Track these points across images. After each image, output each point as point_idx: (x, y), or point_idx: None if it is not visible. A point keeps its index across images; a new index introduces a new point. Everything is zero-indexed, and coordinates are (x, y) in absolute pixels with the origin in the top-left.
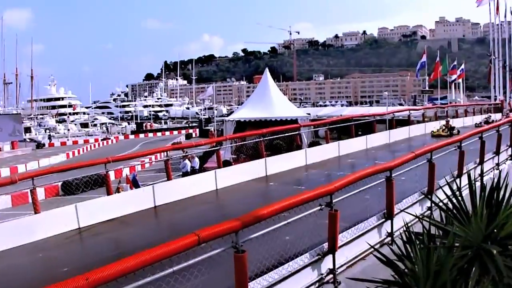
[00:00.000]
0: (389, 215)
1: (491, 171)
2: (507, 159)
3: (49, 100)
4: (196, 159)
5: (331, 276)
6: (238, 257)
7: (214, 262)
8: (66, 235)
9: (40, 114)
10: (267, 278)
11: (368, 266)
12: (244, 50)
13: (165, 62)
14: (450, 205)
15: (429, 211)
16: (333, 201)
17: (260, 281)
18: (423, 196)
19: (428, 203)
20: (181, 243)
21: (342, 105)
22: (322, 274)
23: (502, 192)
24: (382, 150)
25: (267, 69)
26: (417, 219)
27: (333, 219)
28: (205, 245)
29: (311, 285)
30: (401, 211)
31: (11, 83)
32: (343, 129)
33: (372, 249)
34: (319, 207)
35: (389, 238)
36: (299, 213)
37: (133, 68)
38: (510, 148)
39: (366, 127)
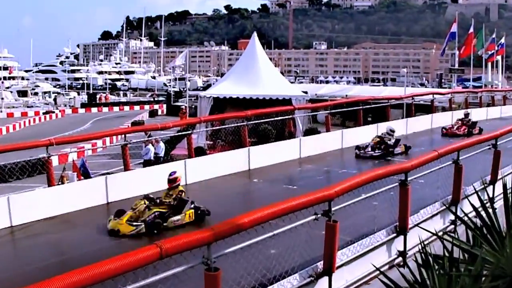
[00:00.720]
0: (401, 230)
1: None
2: None
3: None
4: (161, 144)
5: None
6: (209, 276)
7: (178, 280)
8: None
9: None
10: None
11: None
12: (227, 7)
13: (127, 17)
14: (478, 221)
15: (452, 227)
16: (332, 209)
17: None
18: (445, 207)
19: (451, 217)
20: (139, 255)
21: (348, 83)
22: None
23: None
24: None
25: (255, 33)
26: (436, 237)
27: (331, 232)
28: (169, 259)
29: None
30: (416, 225)
31: None
32: (349, 114)
33: (378, 272)
34: (314, 217)
35: (400, 259)
36: (288, 222)
37: (87, 24)
38: None
39: (377, 112)
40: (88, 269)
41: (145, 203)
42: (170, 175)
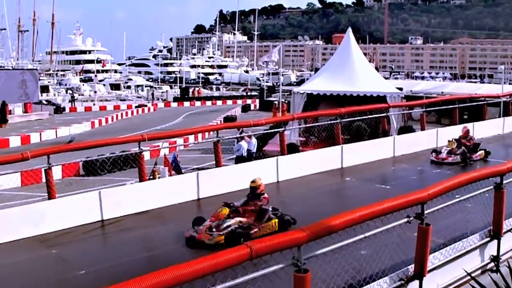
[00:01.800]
0: (495, 234)
1: None
2: None
3: (73, 53)
4: (254, 140)
5: None
6: (299, 278)
7: (267, 280)
8: (85, 228)
9: (61, 70)
10: None
11: None
12: (321, 1)
13: (221, 11)
14: None
15: None
16: (425, 212)
17: None
18: None
19: None
20: (229, 255)
21: (444, 79)
22: None
23: None
24: (492, 144)
25: (350, 28)
26: None
27: (423, 236)
28: (259, 260)
29: None
30: (511, 229)
31: (27, 31)
32: (444, 112)
33: (470, 277)
34: (406, 219)
35: (492, 264)
36: (380, 224)
37: (180, 18)
38: None
39: (474, 110)
40: (178, 268)
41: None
42: (252, 182)
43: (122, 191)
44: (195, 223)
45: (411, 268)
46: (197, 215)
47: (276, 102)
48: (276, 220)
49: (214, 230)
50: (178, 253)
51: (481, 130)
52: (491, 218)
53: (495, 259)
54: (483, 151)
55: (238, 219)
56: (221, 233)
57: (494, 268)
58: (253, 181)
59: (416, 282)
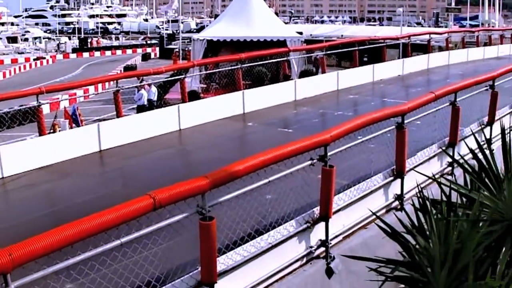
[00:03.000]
0: (398, 173)
1: None
2: None
3: None
4: (153, 89)
5: (322, 249)
6: (204, 225)
7: (172, 230)
8: None
9: None
10: (241, 251)
11: (370, 237)
12: None
13: None
14: (476, 164)
15: (449, 169)
16: (328, 154)
17: (232, 256)
18: (442, 150)
19: (449, 159)
20: (132, 207)
21: (343, 22)
22: (311, 247)
23: None
24: (393, 85)
25: None
26: (433, 181)
27: (327, 178)
28: (163, 209)
29: (297, 260)
30: (413, 168)
31: None
32: (344, 54)
33: (375, 216)
34: (309, 162)
35: (397, 203)
36: (283, 167)
37: None
38: None
39: (373, 53)
40: (80, 223)
41: None
42: None
43: (21, 146)
44: None
45: (317, 210)
46: (99, 167)
47: (177, 50)
48: None
49: None
50: (82, 207)
51: (381, 71)
52: (394, 157)
53: (399, 197)
54: None
55: None
56: None
57: (399, 207)
58: None
59: (322, 224)
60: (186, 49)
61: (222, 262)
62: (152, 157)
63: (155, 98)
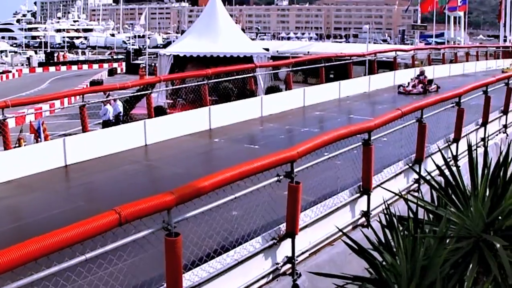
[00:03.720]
0: (365, 190)
1: (497, 134)
2: None
3: None
4: (119, 103)
5: (289, 266)
6: (170, 242)
7: (137, 246)
8: None
9: None
10: (207, 268)
11: (337, 254)
12: None
13: None
14: (442, 181)
15: (416, 185)
16: (295, 170)
17: (198, 272)
18: (409, 166)
19: (415, 176)
20: (97, 222)
21: (310, 39)
22: (277, 263)
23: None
24: (359, 101)
25: None
26: (400, 197)
27: (293, 194)
28: (128, 225)
29: (263, 277)
30: (380, 184)
31: None
32: (311, 71)
33: (342, 233)
34: (276, 178)
35: (363, 219)
36: (250, 184)
37: None
38: None
39: (340, 69)
40: (45, 238)
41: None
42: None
43: None
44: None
45: (283, 227)
46: (65, 182)
47: (144, 65)
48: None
49: None
50: (46, 223)
51: (347, 88)
52: (361, 174)
53: (366, 214)
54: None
55: None
56: None
57: (365, 223)
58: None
59: (289, 241)
60: (153, 64)
61: (188, 278)
62: (118, 172)
63: (121, 110)
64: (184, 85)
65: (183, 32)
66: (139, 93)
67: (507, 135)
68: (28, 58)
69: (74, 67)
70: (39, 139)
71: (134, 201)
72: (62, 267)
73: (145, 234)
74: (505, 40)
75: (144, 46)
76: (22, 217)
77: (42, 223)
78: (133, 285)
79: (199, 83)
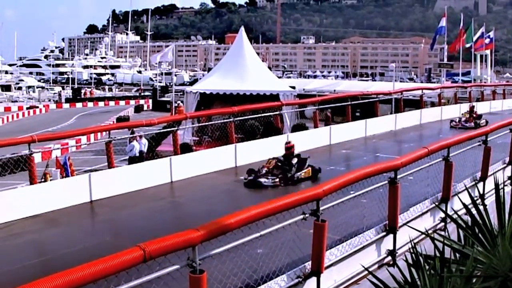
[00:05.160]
0: (391, 228)
1: None
2: None
3: None
4: (144, 140)
5: None
6: (194, 279)
7: (162, 282)
8: None
9: None
10: None
11: None
12: (214, 1)
13: (113, 11)
14: (469, 219)
15: (442, 225)
16: (321, 208)
17: None
18: (435, 205)
19: (442, 214)
20: (122, 258)
21: (336, 77)
22: None
23: None
24: (385, 140)
25: (242, 27)
26: (426, 236)
27: (319, 232)
28: (153, 261)
29: None
30: (406, 223)
31: None
32: (337, 109)
33: (367, 272)
34: (302, 216)
35: (389, 258)
36: (275, 221)
37: (72, 17)
38: None
39: (366, 107)
40: (69, 273)
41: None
42: (286, 143)
43: (12, 194)
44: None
45: (308, 265)
46: (90, 218)
47: (180, 103)
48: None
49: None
50: (71, 258)
51: (373, 126)
52: (386, 212)
53: (391, 253)
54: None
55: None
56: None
57: (391, 262)
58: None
59: (314, 279)
60: (178, 102)
61: None
62: (143, 209)
63: (145, 150)
64: (210, 123)
65: (209, 69)
66: (165, 130)
67: None
68: (59, 94)
69: (101, 104)
70: (64, 175)
71: (159, 237)
72: None
73: (170, 270)
74: None
75: (171, 84)
76: (47, 252)
77: (67, 258)
78: None
79: (225, 120)
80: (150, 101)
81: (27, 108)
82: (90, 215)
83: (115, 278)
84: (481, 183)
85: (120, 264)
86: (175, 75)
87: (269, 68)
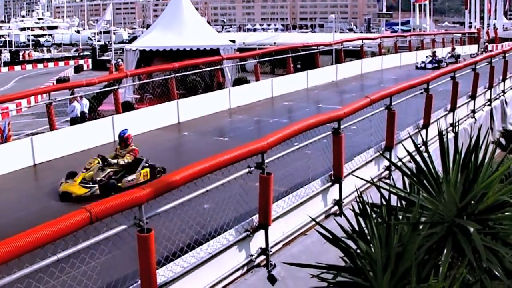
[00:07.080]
0: (336, 178)
1: (466, 119)
2: (485, 105)
3: None
4: (85, 101)
5: (263, 257)
6: (142, 238)
7: (110, 243)
8: None
9: None
10: (180, 263)
11: (311, 243)
12: None
13: None
14: (414, 167)
15: (387, 172)
16: (266, 161)
17: (172, 267)
18: (380, 153)
19: (386, 163)
20: (68, 222)
21: (276, 30)
22: (251, 255)
23: (482, 152)
24: (327, 90)
25: None
26: (372, 184)
27: (265, 185)
28: (100, 223)
29: (238, 269)
30: (351, 172)
31: None
32: (278, 62)
33: (315, 222)
34: (247, 170)
35: (336, 208)
36: (221, 176)
37: None
38: (488, 91)
39: (307, 59)
40: (15, 240)
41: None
42: (121, 134)
43: None
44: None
45: (256, 218)
46: (34, 182)
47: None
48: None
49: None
50: (17, 224)
51: (315, 78)
52: (331, 163)
53: (338, 203)
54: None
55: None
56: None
57: (338, 212)
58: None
59: (262, 232)
60: (118, 60)
61: (162, 274)
62: None
63: (86, 110)
64: (151, 80)
65: (148, 26)
66: (106, 89)
67: (476, 120)
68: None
69: (40, 65)
70: (2, 140)
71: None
72: (34, 268)
73: (117, 231)
74: (470, 27)
75: (110, 42)
76: None
77: (13, 224)
78: (107, 282)
79: (166, 77)
80: (90, 60)
81: None
82: (34, 179)
83: (62, 242)
84: (424, 130)
85: (66, 228)
86: (114, 33)
87: (208, 22)
